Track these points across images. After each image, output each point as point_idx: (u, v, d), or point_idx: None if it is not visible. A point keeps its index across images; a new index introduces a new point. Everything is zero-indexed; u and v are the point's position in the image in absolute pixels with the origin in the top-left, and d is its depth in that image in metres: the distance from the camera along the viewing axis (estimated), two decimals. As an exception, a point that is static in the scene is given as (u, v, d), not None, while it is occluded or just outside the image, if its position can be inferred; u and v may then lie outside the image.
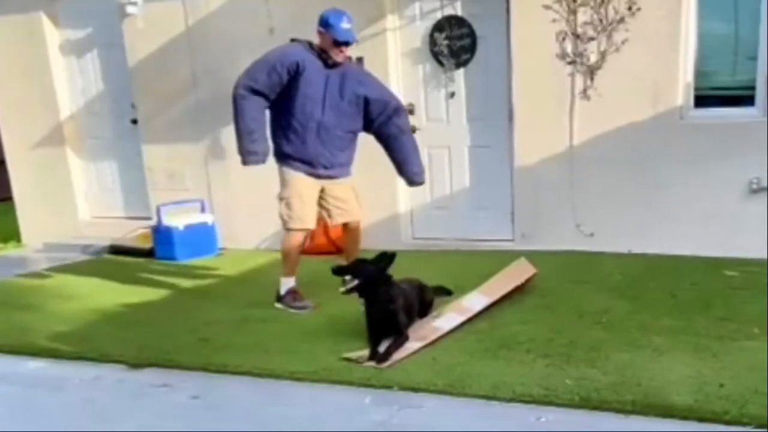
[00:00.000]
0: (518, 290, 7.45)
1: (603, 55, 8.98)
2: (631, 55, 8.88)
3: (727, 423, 4.60)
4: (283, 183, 7.96)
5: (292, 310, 7.77)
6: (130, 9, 11.03)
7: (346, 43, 7.62)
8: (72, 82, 12.48)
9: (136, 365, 6.08)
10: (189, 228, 10.88)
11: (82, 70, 12.36)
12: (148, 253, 11.07)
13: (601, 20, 8.90)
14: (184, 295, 8.82)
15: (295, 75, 7.52)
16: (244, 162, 7.81)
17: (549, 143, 9.48)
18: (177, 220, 10.84)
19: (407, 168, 8.16)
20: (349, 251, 8.38)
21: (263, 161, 7.81)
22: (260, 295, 8.20)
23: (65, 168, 12.51)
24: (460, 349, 6.14)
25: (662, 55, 8.82)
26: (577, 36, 9.03)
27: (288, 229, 7.95)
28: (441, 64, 10.06)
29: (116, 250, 11.50)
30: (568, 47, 9.12)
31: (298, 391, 5.67)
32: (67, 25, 12.27)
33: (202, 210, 11.23)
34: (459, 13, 9.92)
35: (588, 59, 9.06)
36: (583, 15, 8.97)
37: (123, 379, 6.11)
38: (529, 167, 9.64)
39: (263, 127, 7.75)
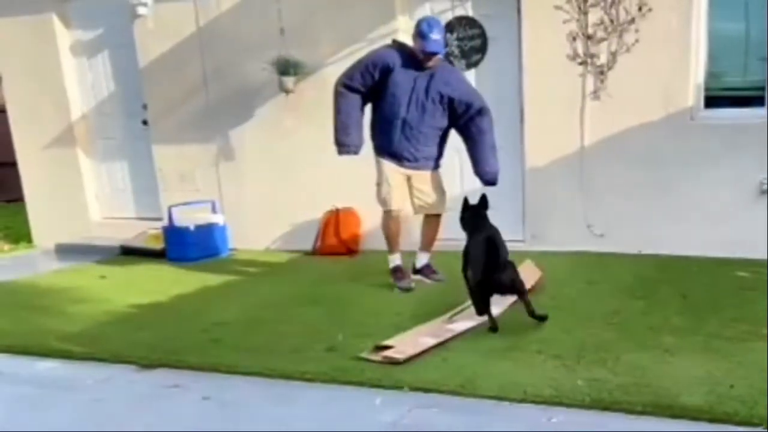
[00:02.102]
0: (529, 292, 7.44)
1: (614, 56, 8.98)
2: (642, 56, 8.87)
3: (738, 424, 4.60)
4: (378, 170, 8.57)
5: (397, 290, 8.44)
6: (140, 10, 11.03)
7: (433, 53, 8.03)
8: (83, 83, 12.48)
9: (147, 366, 6.09)
10: (200, 229, 10.89)
11: (93, 71, 12.37)
12: (160, 254, 11.06)
13: (612, 21, 8.90)
14: (195, 295, 8.82)
15: (385, 75, 8.10)
16: (339, 152, 8.47)
17: (560, 144, 9.48)
18: (188, 221, 10.84)
19: (481, 167, 8.45)
20: (424, 241, 8.93)
21: (356, 152, 8.48)
22: (271, 296, 8.22)
23: (76, 169, 12.52)
24: (470, 349, 6.15)
25: (673, 55, 8.81)
26: (588, 37, 9.03)
27: (383, 211, 8.66)
28: (452, 64, 10.03)
29: (127, 250, 11.52)
30: (579, 48, 9.11)
31: (308, 391, 5.67)
32: (78, 26, 12.28)
33: (214, 210, 11.22)
34: (470, 13, 9.92)
35: (599, 60, 9.06)
36: (594, 16, 8.96)
37: (134, 379, 6.12)
38: (539, 168, 9.64)
39: (357, 121, 8.38)
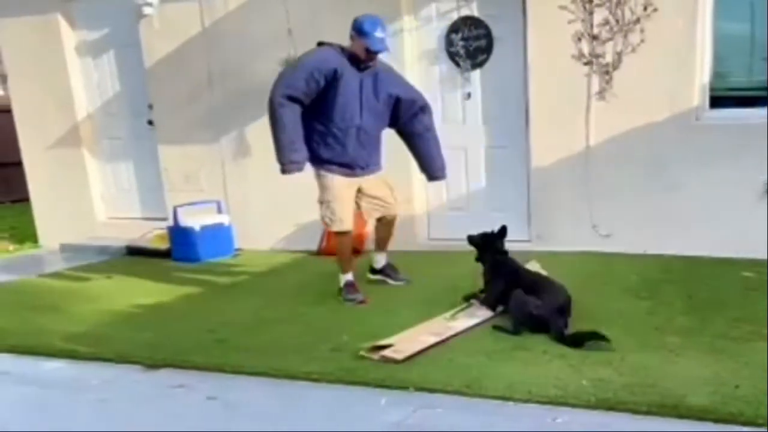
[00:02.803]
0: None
1: (619, 56, 8.97)
2: (647, 56, 8.87)
3: (743, 424, 4.60)
4: (323, 187, 8.07)
5: (348, 303, 7.97)
6: (146, 10, 11.06)
7: (378, 52, 7.75)
8: (88, 83, 12.52)
9: (152, 366, 6.09)
10: (205, 229, 10.88)
11: (99, 71, 12.39)
12: (165, 254, 11.10)
13: (617, 21, 8.89)
14: (200, 296, 8.84)
15: (332, 81, 7.62)
16: (285, 171, 7.85)
17: (565, 144, 9.48)
18: (193, 221, 10.85)
19: (432, 164, 8.44)
20: (379, 242, 8.73)
21: (302, 169, 7.92)
22: (276, 296, 8.23)
23: (82, 169, 12.54)
24: (476, 349, 6.14)
25: (678, 55, 8.81)
26: (593, 37, 9.03)
27: (334, 232, 8.36)
28: (457, 65, 10.07)
29: (133, 251, 11.53)
30: (585, 48, 9.11)
31: (314, 391, 5.68)
32: (84, 26, 12.31)
33: (219, 211, 11.25)
34: (475, 13, 9.93)
35: (604, 60, 9.06)
36: (599, 16, 8.96)
37: (139, 379, 6.13)
38: (545, 168, 9.64)
39: (301, 134, 7.81)
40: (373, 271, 8.73)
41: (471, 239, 7.63)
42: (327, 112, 7.76)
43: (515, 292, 6.69)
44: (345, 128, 7.82)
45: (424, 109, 8.24)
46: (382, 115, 8.07)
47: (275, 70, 9.72)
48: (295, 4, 10.35)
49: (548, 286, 6.91)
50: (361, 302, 7.91)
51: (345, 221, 8.02)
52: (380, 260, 8.72)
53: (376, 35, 7.58)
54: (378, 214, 8.47)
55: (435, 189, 10.36)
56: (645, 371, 5.45)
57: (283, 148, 7.73)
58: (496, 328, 6.69)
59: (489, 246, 7.44)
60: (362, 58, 7.67)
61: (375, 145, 8.21)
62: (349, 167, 8.00)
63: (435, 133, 8.41)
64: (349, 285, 8.12)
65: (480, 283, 7.49)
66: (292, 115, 7.66)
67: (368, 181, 8.19)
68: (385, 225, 8.57)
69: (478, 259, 7.55)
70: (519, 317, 6.56)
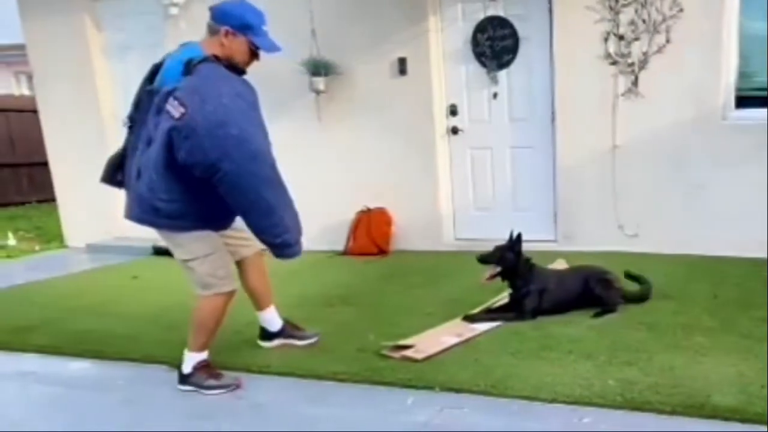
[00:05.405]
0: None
1: (645, 56, 8.97)
2: (674, 56, 8.86)
3: (770, 424, 4.59)
4: (199, 244, 5.92)
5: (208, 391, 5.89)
6: (172, 10, 11.12)
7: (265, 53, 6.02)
8: (114, 84, 12.60)
9: (178, 366, 6.10)
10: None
11: (125, 72, 12.39)
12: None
13: (643, 21, 8.89)
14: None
15: None
16: (298, 251, 5.94)
17: (591, 144, 9.48)
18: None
19: None
20: (263, 292, 6.86)
21: None
22: (302, 296, 8.23)
23: (108, 168, 12.59)
24: (502, 350, 6.15)
25: (704, 55, 8.79)
26: (620, 37, 9.02)
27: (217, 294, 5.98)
28: (483, 65, 10.07)
29: (159, 251, 11.56)
30: (611, 48, 9.11)
31: (340, 391, 5.70)
32: (110, 27, 12.42)
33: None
34: (501, 13, 9.93)
35: (630, 60, 9.05)
36: (626, 16, 8.95)
37: (166, 379, 6.14)
38: (571, 168, 9.65)
39: None
40: (271, 335, 6.80)
41: (484, 259, 7.04)
42: None
43: (610, 276, 7.21)
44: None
45: None
46: None
47: (297, 70, 9.77)
48: (319, 5, 10.39)
49: (573, 272, 7.40)
50: (237, 386, 5.89)
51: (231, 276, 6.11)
52: (274, 318, 6.87)
53: (265, 29, 5.95)
54: (245, 254, 6.55)
55: (461, 189, 10.37)
56: (671, 371, 5.44)
57: (297, 221, 5.93)
58: (597, 315, 6.90)
59: (509, 260, 6.98)
60: (244, 63, 5.91)
61: None
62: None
63: None
64: (208, 366, 6.05)
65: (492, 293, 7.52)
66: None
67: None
68: (255, 266, 6.69)
69: (502, 277, 7.05)
70: (615, 299, 7.06)
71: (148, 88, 5.76)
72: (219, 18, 5.81)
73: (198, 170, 5.31)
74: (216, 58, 5.61)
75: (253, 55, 5.89)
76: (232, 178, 5.34)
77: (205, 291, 5.85)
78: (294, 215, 5.84)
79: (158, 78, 5.75)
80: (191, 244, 5.75)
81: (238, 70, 5.77)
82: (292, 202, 5.85)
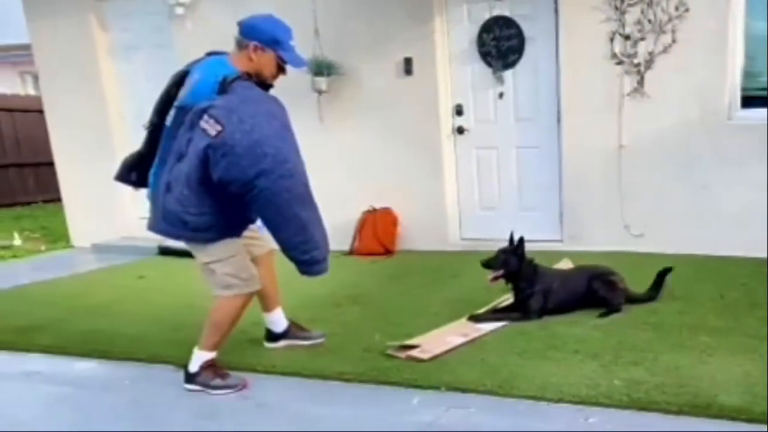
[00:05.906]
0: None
1: (651, 56, 8.97)
2: (679, 56, 8.86)
3: (776, 424, 4.58)
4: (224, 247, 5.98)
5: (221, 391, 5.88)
6: (178, 10, 11.13)
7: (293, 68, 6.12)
8: (120, 84, 12.62)
9: (184, 366, 6.10)
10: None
11: (131, 72, 12.45)
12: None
13: (649, 21, 8.89)
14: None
15: None
16: (326, 269, 6.10)
17: (597, 144, 9.48)
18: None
19: None
20: (272, 292, 6.85)
21: None
22: (308, 296, 8.22)
23: (113, 169, 12.53)
24: (508, 349, 6.15)
25: (710, 55, 8.79)
26: (626, 37, 9.02)
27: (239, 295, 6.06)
28: (489, 65, 10.07)
29: (164, 251, 11.57)
30: (617, 48, 9.11)
31: (345, 391, 5.71)
32: (116, 27, 12.43)
33: (251, 212, 11.19)
34: (507, 13, 9.93)
35: (636, 60, 9.05)
36: (632, 16, 8.95)
37: (172, 379, 6.13)
38: (577, 168, 9.65)
39: None
40: (276, 336, 6.84)
41: (488, 264, 7.03)
42: None
43: (614, 276, 7.23)
44: None
45: None
46: None
47: (299, 69, 9.78)
48: (323, 4, 10.40)
49: (577, 272, 7.47)
50: (244, 386, 5.92)
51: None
52: (280, 319, 6.91)
53: (293, 44, 6.03)
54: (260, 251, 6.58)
55: (467, 189, 10.38)
56: (677, 371, 5.44)
57: (325, 238, 6.07)
58: (602, 315, 6.91)
59: (512, 264, 7.02)
60: (272, 77, 6.05)
61: None
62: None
63: None
64: (214, 366, 6.06)
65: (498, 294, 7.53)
66: None
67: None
68: (265, 265, 6.65)
69: (506, 279, 7.08)
70: (619, 299, 7.08)
71: (178, 104, 5.73)
72: (248, 33, 5.87)
73: (234, 187, 5.38)
74: (247, 75, 5.69)
75: (280, 69, 5.97)
76: (267, 195, 5.41)
77: (225, 292, 5.95)
78: (323, 233, 5.94)
79: (187, 91, 5.73)
80: (214, 248, 5.82)
81: (266, 85, 5.90)
82: (322, 219, 5.95)
